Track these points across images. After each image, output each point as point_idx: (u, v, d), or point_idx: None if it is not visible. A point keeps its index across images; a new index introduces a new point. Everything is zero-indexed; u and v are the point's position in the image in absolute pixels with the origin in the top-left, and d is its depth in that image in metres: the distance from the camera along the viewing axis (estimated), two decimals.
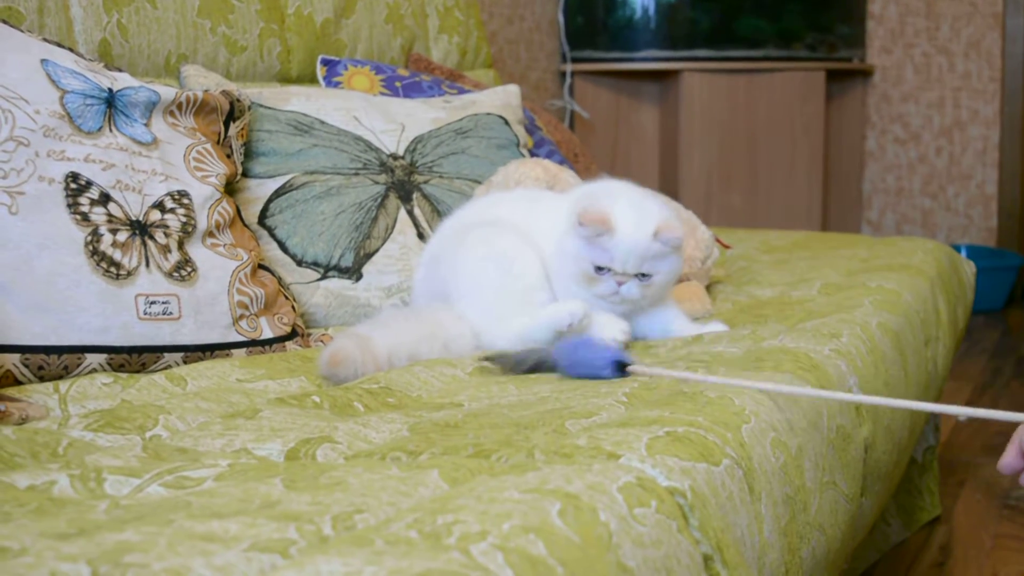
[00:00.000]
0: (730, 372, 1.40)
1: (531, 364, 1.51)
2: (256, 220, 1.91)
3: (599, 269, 1.63)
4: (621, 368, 1.42)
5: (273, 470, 1.02)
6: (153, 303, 1.56)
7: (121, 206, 1.58)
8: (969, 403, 3.61)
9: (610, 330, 1.63)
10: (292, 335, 1.73)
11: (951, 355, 2.30)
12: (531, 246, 1.71)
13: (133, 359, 1.53)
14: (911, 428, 1.84)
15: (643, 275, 1.64)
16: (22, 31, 1.63)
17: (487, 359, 1.54)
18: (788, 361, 1.44)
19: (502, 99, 2.40)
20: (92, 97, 1.62)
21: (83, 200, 1.54)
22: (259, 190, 1.94)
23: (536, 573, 0.76)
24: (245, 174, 1.93)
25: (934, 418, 2.64)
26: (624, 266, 1.62)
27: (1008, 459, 1.13)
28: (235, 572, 0.76)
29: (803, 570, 1.22)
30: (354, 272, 1.91)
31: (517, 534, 0.80)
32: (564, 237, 1.66)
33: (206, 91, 1.81)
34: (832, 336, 1.62)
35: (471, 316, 1.69)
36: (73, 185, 1.54)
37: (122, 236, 1.56)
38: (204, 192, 1.70)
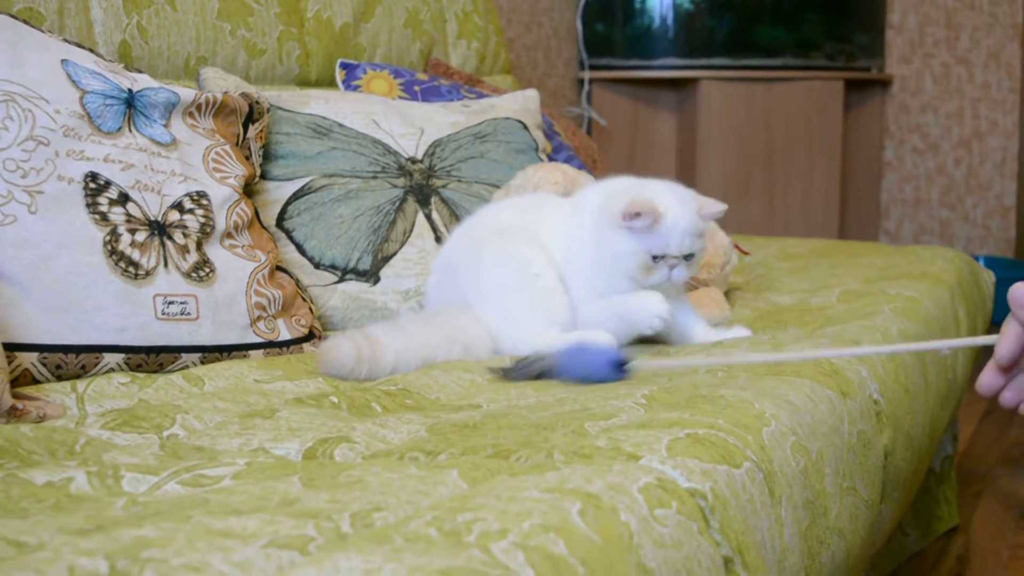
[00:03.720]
0: (751, 376, 1.39)
1: (535, 373, 1.50)
2: (274, 222, 1.91)
3: (655, 258, 1.63)
4: (621, 367, 1.42)
5: (291, 469, 1.02)
6: (171, 303, 1.55)
7: (140, 206, 1.58)
8: (988, 413, 3.59)
9: (651, 309, 1.63)
10: (309, 337, 1.73)
11: (971, 363, 2.29)
12: (545, 250, 1.71)
13: (151, 359, 1.53)
14: (930, 435, 1.82)
15: (688, 256, 1.64)
16: (43, 31, 1.63)
17: (494, 369, 1.54)
18: (809, 366, 1.44)
19: (521, 103, 2.39)
20: (112, 97, 1.62)
21: (102, 200, 1.54)
22: (277, 192, 1.94)
23: (557, 572, 0.76)
24: (263, 176, 1.93)
25: (952, 427, 2.63)
26: (679, 249, 1.62)
27: (986, 379, 1.12)
28: (253, 568, 0.76)
29: (823, 575, 1.21)
30: (372, 275, 1.91)
31: (537, 533, 0.79)
32: (605, 236, 1.64)
33: (225, 93, 1.81)
34: (852, 343, 1.61)
35: (491, 321, 1.69)
36: (92, 185, 1.54)
37: (141, 236, 1.56)
38: (223, 193, 1.70)
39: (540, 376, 1.49)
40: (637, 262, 1.63)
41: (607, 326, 1.65)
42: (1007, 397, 1.11)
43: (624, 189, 1.69)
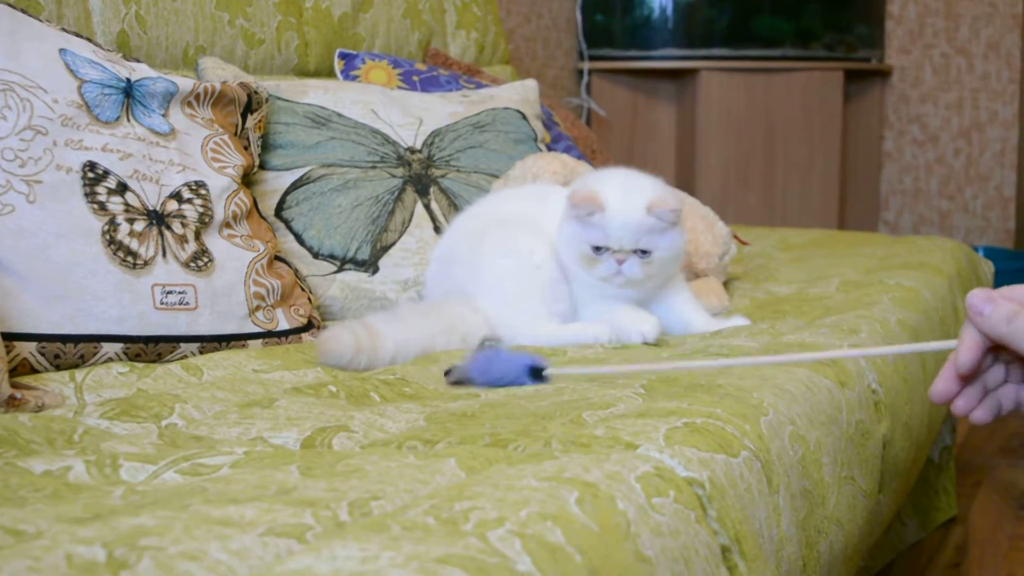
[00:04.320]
0: (748, 366, 1.39)
1: (453, 381, 1.42)
2: (273, 212, 1.91)
3: (597, 250, 1.63)
4: (537, 374, 1.35)
5: (289, 458, 1.02)
6: (169, 293, 1.55)
7: (138, 196, 1.58)
8: None
9: (640, 327, 1.63)
10: (308, 327, 1.73)
11: None
12: (547, 241, 1.71)
13: (149, 349, 1.53)
14: (929, 425, 1.83)
15: (643, 252, 1.63)
16: (40, 21, 1.63)
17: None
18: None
19: (520, 94, 2.39)
20: (110, 87, 1.62)
21: (100, 189, 1.54)
22: (276, 182, 1.94)
23: (554, 560, 0.76)
24: (262, 166, 1.93)
25: (951, 418, 2.63)
26: (620, 242, 1.62)
27: (940, 386, 1.11)
28: (251, 556, 0.76)
29: (820, 565, 1.21)
30: (370, 265, 1.91)
31: (535, 521, 0.79)
32: (562, 223, 1.67)
33: (224, 83, 1.81)
34: (851, 332, 1.61)
35: (490, 311, 1.69)
36: (90, 174, 1.54)
37: (139, 226, 1.56)
38: (221, 183, 1.70)
39: (458, 384, 1.41)
40: (579, 251, 1.64)
41: (599, 326, 1.66)
42: (959, 405, 1.10)
43: (589, 178, 1.71)
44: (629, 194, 1.63)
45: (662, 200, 1.62)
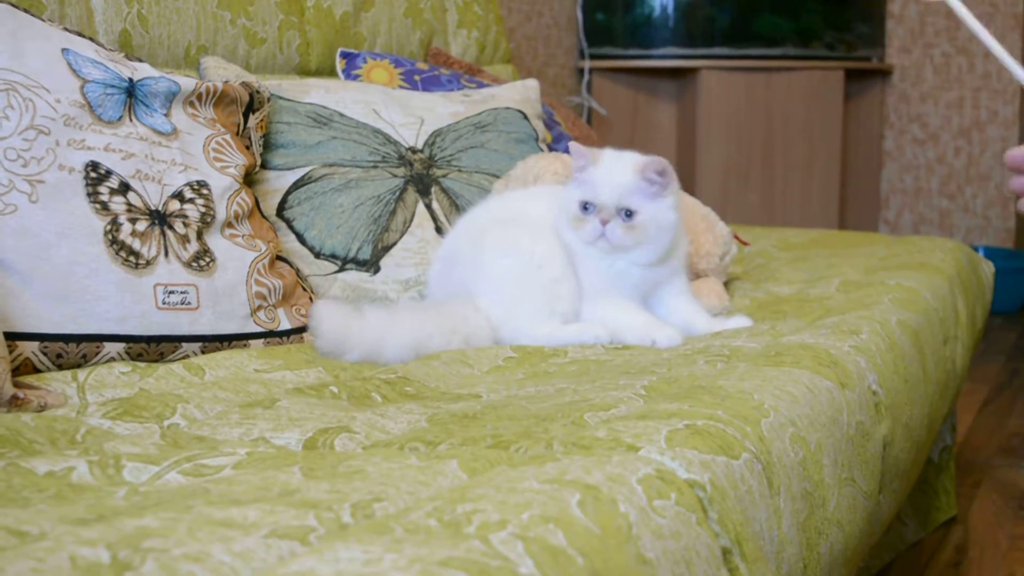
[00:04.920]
0: (750, 367, 1.40)
1: None
2: (275, 212, 1.91)
3: (585, 209, 1.65)
4: None
5: (291, 459, 1.02)
6: (171, 293, 1.56)
7: (140, 196, 1.58)
8: (985, 404, 3.59)
9: (666, 331, 1.65)
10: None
11: (969, 354, 2.29)
12: (549, 241, 1.71)
13: (151, 348, 1.53)
14: (929, 426, 1.83)
15: (628, 213, 1.64)
16: (43, 20, 1.63)
17: None
18: (808, 357, 1.44)
19: (521, 93, 2.39)
20: (112, 87, 1.62)
21: (103, 189, 1.54)
22: (278, 182, 1.94)
23: (556, 563, 0.76)
24: (264, 166, 1.93)
25: (951, 418, 2.63)
26: (606, 198, 1.64)
27: (1018, 152, 1.12)
28: (254, 558, 0.76)
29: (821, 566, 1.21)
30: (372, 265, 1.91)
31: (537, 524, 0.79)
32: (563, 188, 1.73)
33: (226, 82, 1.81)
34: (852, 332, 1.61)
35: (493, 312, 1.69)
36: (93, 174, 1.54)
37: (141, 226, 1.56)
38: (223, 183, 1.70)
39: None
40: (570, 211, 1.67)
41: (615, 324, 1.67)
42: (1017, 181, 1.12)
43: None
44: (623, 156, 1.69)
45: (652, 161, 1.65)
